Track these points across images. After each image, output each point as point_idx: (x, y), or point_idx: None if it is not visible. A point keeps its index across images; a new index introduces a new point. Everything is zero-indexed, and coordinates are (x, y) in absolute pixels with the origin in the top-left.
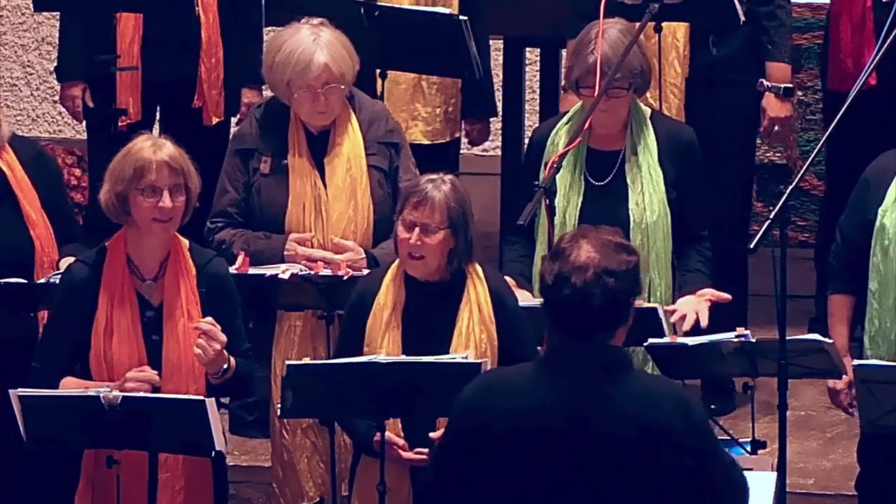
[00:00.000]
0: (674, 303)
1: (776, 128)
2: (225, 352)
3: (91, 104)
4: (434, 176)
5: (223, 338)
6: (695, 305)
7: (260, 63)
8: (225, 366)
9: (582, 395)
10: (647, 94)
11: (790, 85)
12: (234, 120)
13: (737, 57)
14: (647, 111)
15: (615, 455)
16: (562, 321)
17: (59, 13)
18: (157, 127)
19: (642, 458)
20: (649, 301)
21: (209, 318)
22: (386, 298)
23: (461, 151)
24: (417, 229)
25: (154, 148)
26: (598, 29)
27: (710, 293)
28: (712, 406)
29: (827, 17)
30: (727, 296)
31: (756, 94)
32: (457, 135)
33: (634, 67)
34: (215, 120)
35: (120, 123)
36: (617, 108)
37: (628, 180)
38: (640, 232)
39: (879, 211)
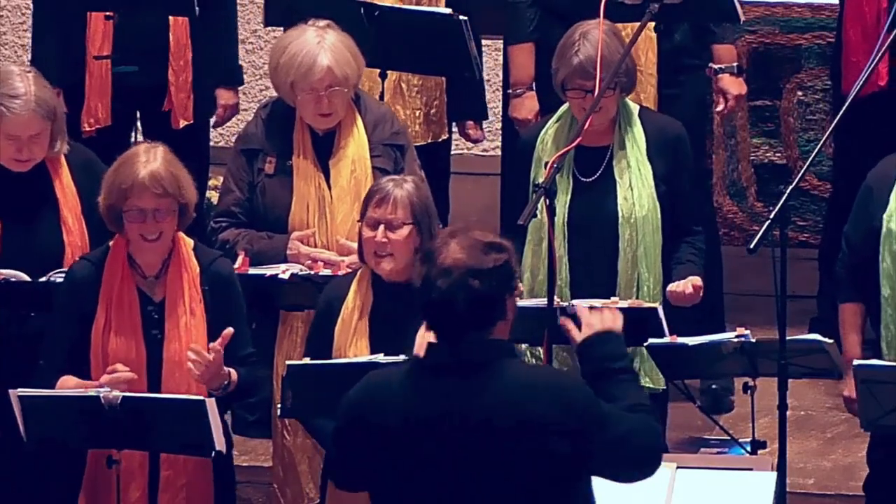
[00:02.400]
0: (664, 297)
1: (737, 105)
2: (225, 369)
3: (66, 109)
4: (395, 176)
5: (207, 357)
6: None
7: (235, 64)
8: (226, 382)
9: (456, 390)
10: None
11: (737, 63)
12: (211, 121)
13: (686, 42)
14: (636, 108)
15: (494, 448)
16: (432, 322)
17: (37, 20)
18: (138, 131)
19: (521, 449)
20: (638, 296)
21: (195, 346)
22: (353, 302)
23: (461, 152)
24: (382, 226)
25: (143, 166)
26: (582, 30)
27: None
28: (713, 386)
29: (838, 19)
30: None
31: (704, 77)
32: (443, 137)
33: (620, 67)
34: (183, 123)
35: (88, 128)
36: (606, 108)
37: (616, 176)
38: (629, 227)
39: (884, 216)
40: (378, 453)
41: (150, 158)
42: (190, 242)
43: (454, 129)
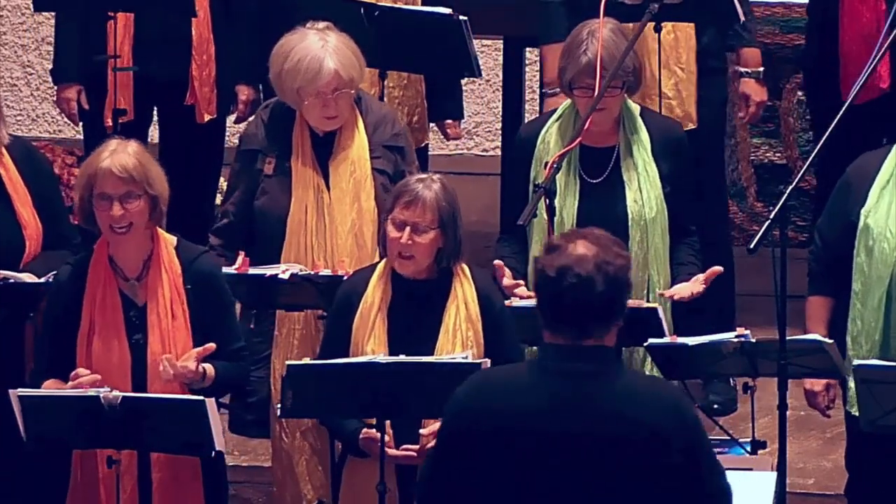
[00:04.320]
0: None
1: (760, 112)
2: (194, 364)
3: (87, 106)
4: (423, 175)
5: (181, 370)
6: (690, 286)
7: (255, 60)
8: (199, 378)
9: (574, 395)
10: (645, 91)
11: (764, 68)
12: (231, 118)
13: (712, 45)
14: (636, 108)
15: (607, 455)
16: (562, 314)
17: (60, 18)
18: (154, 126)
19: (633, 459)
20: (649, 297)
21: (168, 356)
22: (372, 298)
23: (461, 152)
24: (408, 228)
25: (110, 155)
26: (589, 29)
27: (702, 276)
28: (715, 406)
29: (808, 28)
30: (719, 268)
31: (726, 80)
32: (424, 143)
33: (627, 66)
34: (207, 117)
35: (112, 122)
36: (611, 107)
37: (625, 177)
38: (639, 229)
39: (862, 212)
40: (487, 455)
41: (118, 149)
42: (172, 241)
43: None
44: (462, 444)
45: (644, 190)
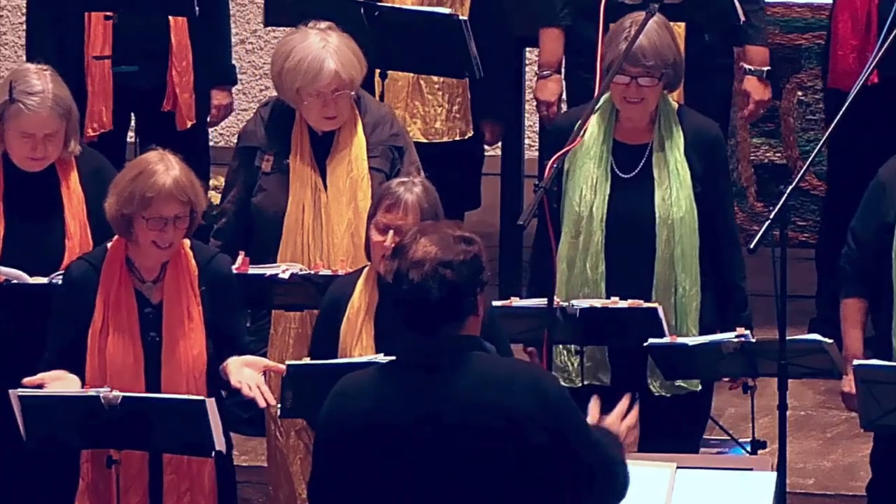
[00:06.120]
0: (700, 298)
1: (760, 111)
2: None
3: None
4: (405, 178)
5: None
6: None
7: (229, 63)
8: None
9: (429, 388)
10: None
11: (769, 67)
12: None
13: (718, 41)
14: (675, 105)
15: (469, 444)
16: (405, 316)
17: (33, 21)
18: (131, 135)
19: (494, 445)
20: (675, 298)
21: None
22: (359, 302)
23: None
24: (391, 232)
25: (164, 174)
26: (633, 19)
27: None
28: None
29: (830, 16)
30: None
31: (731, 77)
32: (469, 134)
33: (667, 58)
34: (189, 123)
35: (92, 133)
36: (648, 97)
37: (655, 175)
38: (666, 228)
39: None
40: (357, 456)
41: (168, 166)
42: (187, 242)
43: None
44: (334, 448)
45: (673, 189)
